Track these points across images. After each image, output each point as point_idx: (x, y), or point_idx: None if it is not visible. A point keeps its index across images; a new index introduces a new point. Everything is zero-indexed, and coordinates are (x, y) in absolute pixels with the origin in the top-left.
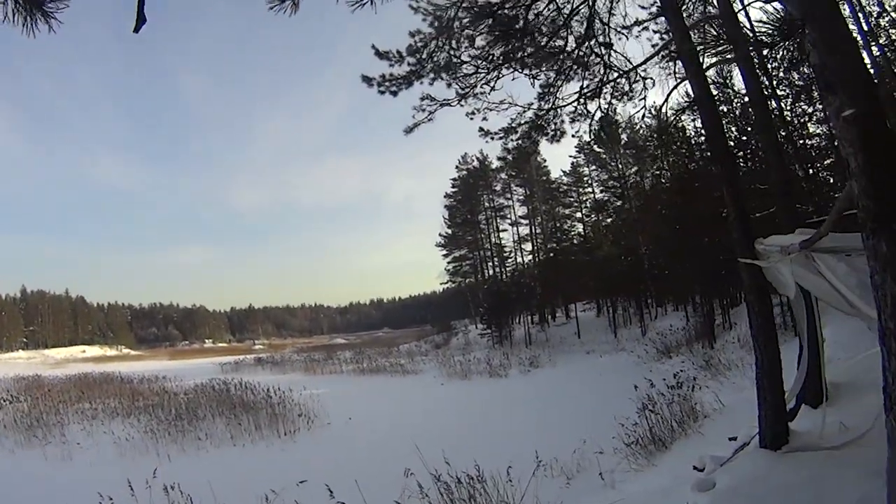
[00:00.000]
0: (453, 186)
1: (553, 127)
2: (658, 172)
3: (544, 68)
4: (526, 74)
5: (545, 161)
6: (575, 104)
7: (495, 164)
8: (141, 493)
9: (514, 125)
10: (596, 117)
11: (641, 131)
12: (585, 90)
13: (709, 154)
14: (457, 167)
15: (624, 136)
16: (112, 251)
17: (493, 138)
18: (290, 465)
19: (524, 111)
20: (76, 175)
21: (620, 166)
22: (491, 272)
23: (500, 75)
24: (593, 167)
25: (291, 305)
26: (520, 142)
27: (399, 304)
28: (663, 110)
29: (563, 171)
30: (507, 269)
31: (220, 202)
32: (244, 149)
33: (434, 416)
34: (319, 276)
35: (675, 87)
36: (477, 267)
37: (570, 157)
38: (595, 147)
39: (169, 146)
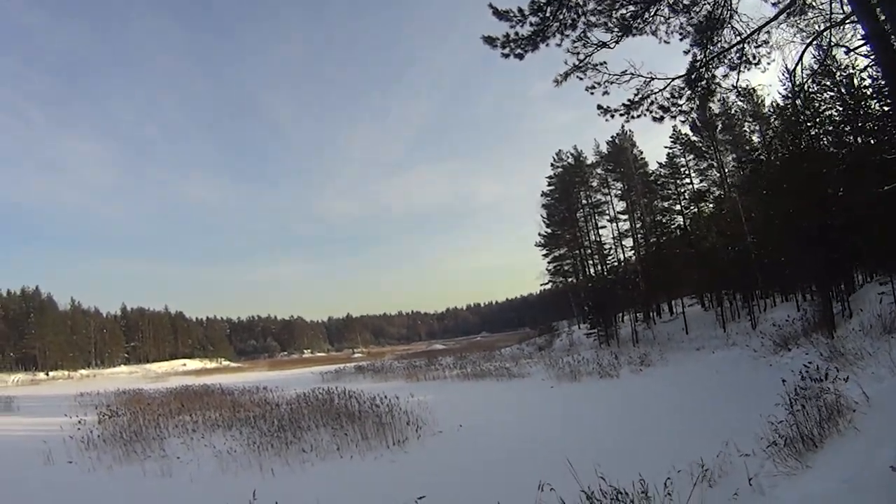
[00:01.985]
0: (549, 184)
1: (704, 83)
2: (761, 157)
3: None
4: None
5: (642, 153)
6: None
7: (590, 159)
8: None
9: (637, 98)
10: (724, 86)
11: (738, 116)
12: (711, 55)
13: (887, 97)
14: (552, 164)
15: (719, 124)
16: (209, 268)
17: (613, 115)
18: (403, 478)
19: (648, 81)
20: (169, 198)
21: (719, 154)
22: (592, 271)
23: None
24: (690, 157)
25: (388, 313)
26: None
27: (496, 308)
28: (797, 72)
29: (660, 163)
30: (608, 266)
31: (312, 215)
32: (331, 161)
33: (550, 420)
34: (415, 282)
35: (811, 42)
36: (577, 266)
37: (666, 147)
38: (692, 136)
39: (257, 164)
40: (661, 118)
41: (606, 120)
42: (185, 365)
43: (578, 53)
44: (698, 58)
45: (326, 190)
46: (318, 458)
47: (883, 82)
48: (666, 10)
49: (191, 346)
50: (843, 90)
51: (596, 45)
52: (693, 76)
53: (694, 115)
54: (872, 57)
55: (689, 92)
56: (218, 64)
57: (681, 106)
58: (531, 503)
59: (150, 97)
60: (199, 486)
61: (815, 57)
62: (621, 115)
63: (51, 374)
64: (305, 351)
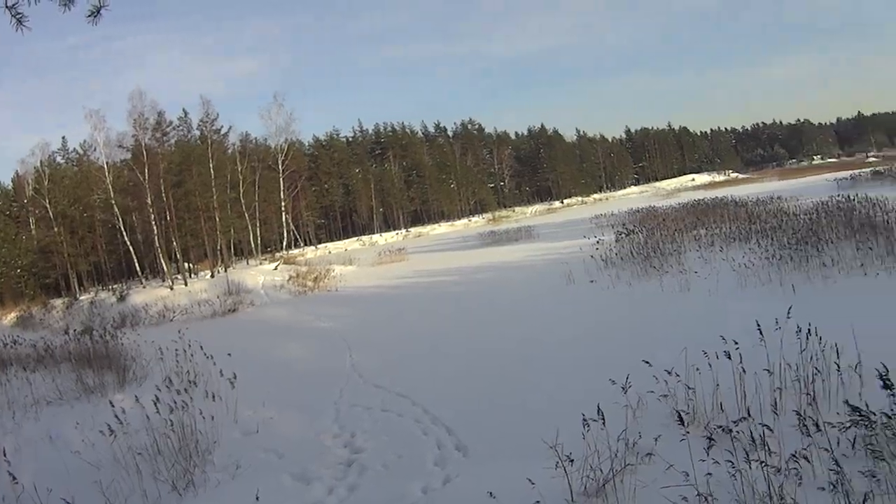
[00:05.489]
0: None
1: None
2: None
3: None
4: None
5: None
6: None
7: None
8: (769, 334)
9: None
10: None
11: None
12: None
13: None
14: None
15: None
16: (705, 78)
17: None
18: None
19: None
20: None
21: None
22: None
23: None
24: None
25: None
26: None
27: None
28: None
29: None
30: None
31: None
32: None
33: None
34: None
35: None
36: None
37: None
38: None
39: None
40: None
41: None
42: (693, 180)
43: None
44: None
45: None
46: (840, 275)
47: None
48: None
49: (697, 160)
50: None
51: None
52: None
53: None
54: None
55: None
56: None
57: None
58: None
59: None
60: (718, 300)
61: None
62: None
63: (565, 201)
64: (815, 157)
